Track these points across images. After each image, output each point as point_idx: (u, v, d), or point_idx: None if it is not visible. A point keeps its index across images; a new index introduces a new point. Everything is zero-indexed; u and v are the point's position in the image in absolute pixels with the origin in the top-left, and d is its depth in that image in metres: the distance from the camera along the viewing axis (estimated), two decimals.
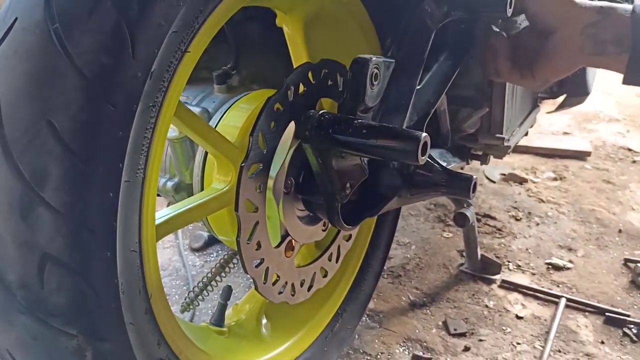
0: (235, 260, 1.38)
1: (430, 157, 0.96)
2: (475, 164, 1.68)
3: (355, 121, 0.91)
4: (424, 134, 0.85)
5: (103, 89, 0.66)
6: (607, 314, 1.64)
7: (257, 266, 0.95)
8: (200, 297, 1.36)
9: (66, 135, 0.64)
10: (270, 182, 0.94)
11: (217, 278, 1.37)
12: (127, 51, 0.67)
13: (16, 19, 0.66)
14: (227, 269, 1.38)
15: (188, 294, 1.39)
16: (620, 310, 1.65)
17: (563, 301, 1.69)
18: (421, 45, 1.05)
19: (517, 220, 2.18)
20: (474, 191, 1.00)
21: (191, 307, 1.38)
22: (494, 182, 2.48)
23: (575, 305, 1.70)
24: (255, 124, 0.86)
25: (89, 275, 0.69)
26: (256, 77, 1.33)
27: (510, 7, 1.01)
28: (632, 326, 1.60)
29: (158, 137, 0.76)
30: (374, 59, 0.94)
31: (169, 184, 1.21)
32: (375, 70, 0.95)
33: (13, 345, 0.71)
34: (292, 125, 0.93)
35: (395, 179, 1.03)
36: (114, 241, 0.70)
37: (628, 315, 1.63)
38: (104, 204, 0.68)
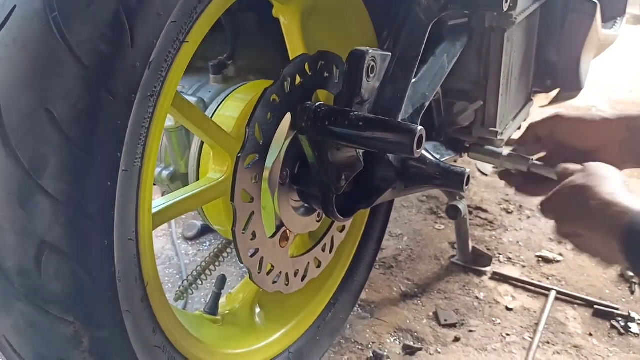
0: (229, 250, 1.38)
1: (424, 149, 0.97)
2: None
3: (352, 113, 0.91)
4: (420, 127, 0.86)
5: (102, 78, 0.66)
6: (595, 306, 1.66)
7: (252, 256, 0.96)
8: (194, 285, 1.37)
9: (65, 123, 0.65)
10: (266, 173, 0.95)
11: (211, 267, 1.37)
12: (126, 40, 0.67)
13: (15, 6, 0.66)
14: (220, 258, 1.38)
15: (182, 283, 1.39)
16: (608, 303, 1.67)
17: (553, 294, 1.71)
18: (417, 38, 1.05)
19: (508, 213, 2.19)
20: (467, 184, 1.01)
21: (185, 295, 1.39)
22: (486, 175, 2.50)
23: (564, 298, 1.72)
24: (252, 115, 0.87)
25: (86, 263, 0.69)
26: (252, 67, 1.33)
27: (506, 2, 1.01)
28: (620, 319, 1.62)
29: (156, 127, 0.76)
30: (370, 51, 0.94)
31: (164, 173, 1.21)
32: (372, 63, 0.95)
33: (10, 332, 0.72)
34: (288, 116, 0.93)
35: (389, 171, 1.04)
36: (111, 229, 0.71)
37: (616, 308, 1.65)
38: (102, 193, 0.69)
